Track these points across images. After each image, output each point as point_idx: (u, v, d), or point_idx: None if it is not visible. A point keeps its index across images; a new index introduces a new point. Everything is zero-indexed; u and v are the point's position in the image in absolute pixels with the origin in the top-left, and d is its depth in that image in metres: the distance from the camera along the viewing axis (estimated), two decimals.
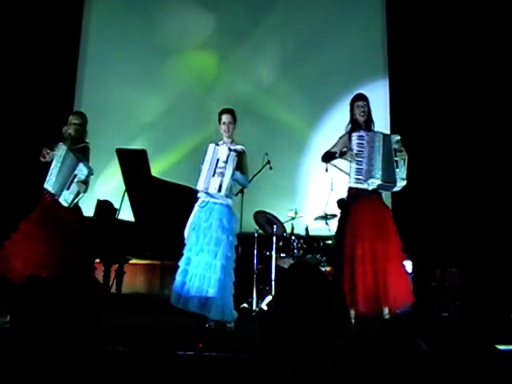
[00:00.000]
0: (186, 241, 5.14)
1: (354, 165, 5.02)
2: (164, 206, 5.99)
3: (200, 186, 5.12)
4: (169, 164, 7.66)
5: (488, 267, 6.52)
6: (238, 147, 5.24)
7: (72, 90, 7.85)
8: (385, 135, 5.10)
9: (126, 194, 6.13)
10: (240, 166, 5.18)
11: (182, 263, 5.05)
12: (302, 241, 6.60)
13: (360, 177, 5.00)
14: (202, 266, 4.97)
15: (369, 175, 4.97)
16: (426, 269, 6.52)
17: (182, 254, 5.12)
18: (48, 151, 5.14)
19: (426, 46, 7.49)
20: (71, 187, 5.11)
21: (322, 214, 6.72)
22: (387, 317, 4.83)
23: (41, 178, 5.52)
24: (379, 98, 7.69)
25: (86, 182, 5.15)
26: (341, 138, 5.21)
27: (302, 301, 2.00)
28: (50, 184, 5.13)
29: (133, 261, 6.64)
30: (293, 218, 6.79)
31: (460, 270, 6.50)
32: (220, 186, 5.04)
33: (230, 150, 5.11)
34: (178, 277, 5.01)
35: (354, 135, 5.07)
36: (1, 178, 7.14)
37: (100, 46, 8.07)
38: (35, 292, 3.40)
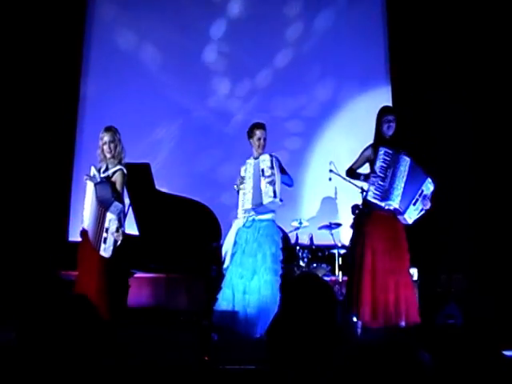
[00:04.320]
0: (227, 261, 5.11)
1: (375, 179, 4.97)
2: (168, 219, 5.99)
3: (248, 204, 5.10)
4: (171, 177, 7.69)
5: (493, 272, 6.50)
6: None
7: (75, 105, 7.87)
8: (413, 162, 5.02)
9: (130, 207, 6.13)
10: (281, 168, 5.20)
11: (228, 286, 5.03)
12: (306, 250, 6.60)
13: (378, 193, 4.96)
14: (264, 287, 4.94)
15: (387, 196, 4.94)
16: (432, 275, 6.50)
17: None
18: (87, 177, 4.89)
19: (428, 51, 7.50)
20: (107, 241, 4.74)
21: (327, 223, 6.74)
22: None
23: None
24: (381, 103, 7.69)
25: (118, 229, 4.78)
26: (364, 150, 5.17)
27: (307, 312, 2.00)
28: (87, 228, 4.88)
29: (138, 274, 6.65)
30: (297, 228, 6.80)
31: (465, 275, 6.48)
32: (275, 192, 5.01)
33: (271, 155, 5.08)
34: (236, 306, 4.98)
35: (382, 149, 4.98)
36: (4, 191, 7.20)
37: (104, 57, 8.07)
38: (45, 309, 3.41)
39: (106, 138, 4.97)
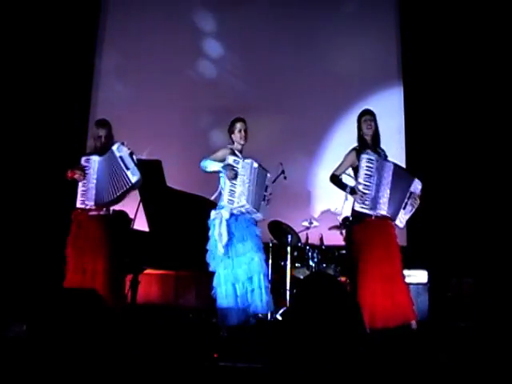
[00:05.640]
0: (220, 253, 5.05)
1: (360, 188, 4.95)
2: (179, 216, 5.99)
3: (246, 203, 5.04)
4: (183, 174, 7.70)
5: (503, 276, 6.46)
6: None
7: (88, 101, 7.92)
8: (396, 166, 5.03)
9: (140, 204, 6.14)
10: None
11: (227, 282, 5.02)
12: (316, 251, 6.58)
13: (367, 202, 4.94)
14: (257, 265, 5.00)
15: (375, 205, 4.94)
16: (442, 279, 6.47)
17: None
18: (79, 172, 5.17)
19: (440, 51, 7.47)
20: (128, 165, 5.07)
21: (337, 223, 6.71)
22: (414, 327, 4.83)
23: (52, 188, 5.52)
24: (393, 104, 7.70)
25: (128, 148, 5.14)
26: (347, 155, 5.15)
27: (320, 311, 1.99)
28: (88, 200, 5.17)
29: (147, 271, 6.65)
30: (307, 228, 6.77)
31: (476, 279, 6.44)
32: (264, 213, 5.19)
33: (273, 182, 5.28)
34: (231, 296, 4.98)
35: (364, 158, 4.97)
36: (13, 189, 7.21)
37: (116, 54, 8.14)
38: (54, 302, 3.41)
39: (103, 132, 5.28)
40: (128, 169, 5.05)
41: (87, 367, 2.81)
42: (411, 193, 5.00)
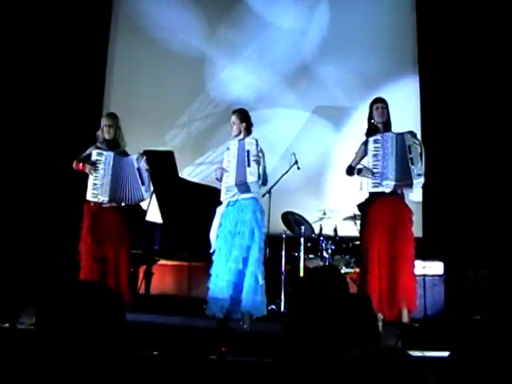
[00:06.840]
0: (214, 245, 5.11)
1: (368, 170, 4.97)
2: (192, 207, 5.99)
3: (232, 181, 5.10)
4: (197, 165, 7.68)
5: None
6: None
7: (101, 92, 7.90)
8: (398, 134, 5.01)
9: (153, 195, 6.14)
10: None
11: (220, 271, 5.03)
12: (330, 242, 6.53)
13: (377, 181, 4.95)
14: (254, 265, 4.99)
15: (383, 177, 4.93)
16: (458, 270, 6.39)
17: (210, 256, 5.11)
18: (89, 166, 5.23)
19: (456, 40, 7.34)
20: (144, 180, 5.31)
21: (351, 214, 6.64)
22: (405, 320, 4.75)
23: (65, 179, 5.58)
24: (409, 93, 7.60)
25: (146, 161, 5.35)
26: (358, 150, 5.19)
27: (319, 306, 1.95)
28: (102, 195, 5.21)
29: (161, 262, 6.66)
30: (321, 219, 6.72)
31: (493, 271, 6.35)
32: (259, 174, 5.07)
33: (257, 141, 5.14)
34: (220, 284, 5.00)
35: (370, 140, 5.04)
36: (30, 179, 7.20)
37: (128, 47, 8.11)
38: (62, 294, 3.40)
39: (110, 123, 5.37)
40: (143, 184, 5.30)
41: (95, 359, 2.78)
42: (409, 146, 4.93)
